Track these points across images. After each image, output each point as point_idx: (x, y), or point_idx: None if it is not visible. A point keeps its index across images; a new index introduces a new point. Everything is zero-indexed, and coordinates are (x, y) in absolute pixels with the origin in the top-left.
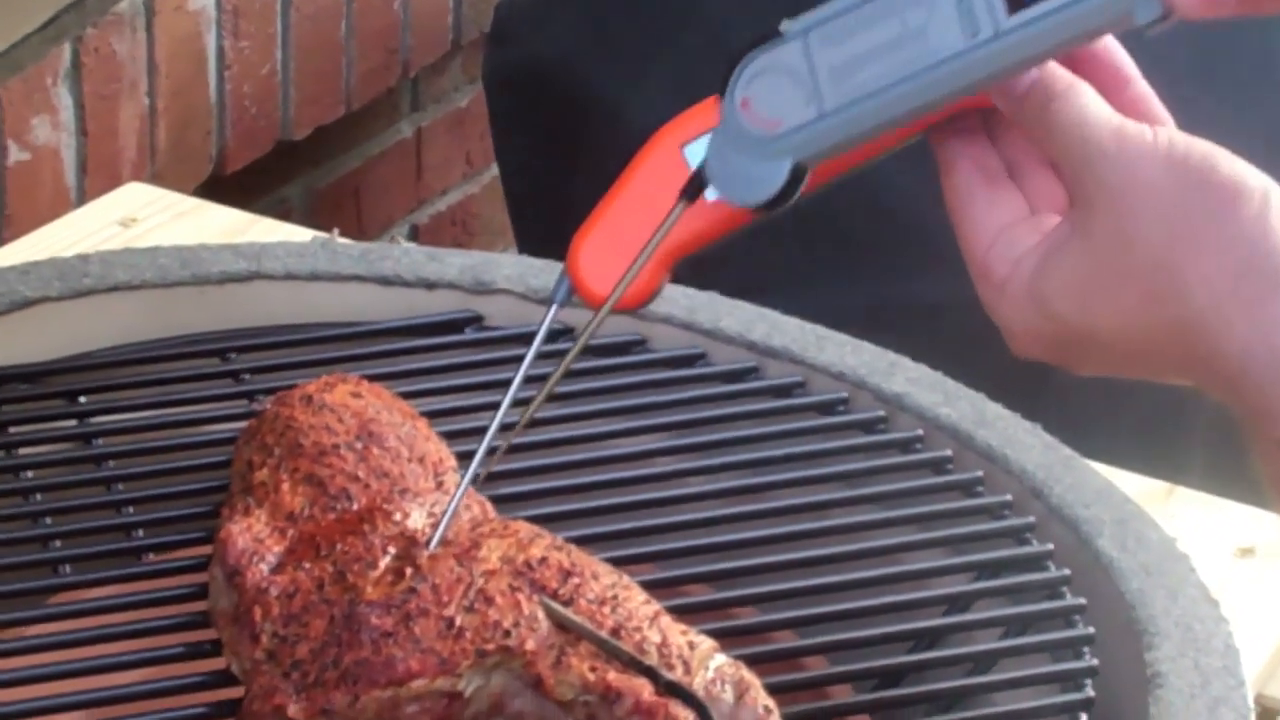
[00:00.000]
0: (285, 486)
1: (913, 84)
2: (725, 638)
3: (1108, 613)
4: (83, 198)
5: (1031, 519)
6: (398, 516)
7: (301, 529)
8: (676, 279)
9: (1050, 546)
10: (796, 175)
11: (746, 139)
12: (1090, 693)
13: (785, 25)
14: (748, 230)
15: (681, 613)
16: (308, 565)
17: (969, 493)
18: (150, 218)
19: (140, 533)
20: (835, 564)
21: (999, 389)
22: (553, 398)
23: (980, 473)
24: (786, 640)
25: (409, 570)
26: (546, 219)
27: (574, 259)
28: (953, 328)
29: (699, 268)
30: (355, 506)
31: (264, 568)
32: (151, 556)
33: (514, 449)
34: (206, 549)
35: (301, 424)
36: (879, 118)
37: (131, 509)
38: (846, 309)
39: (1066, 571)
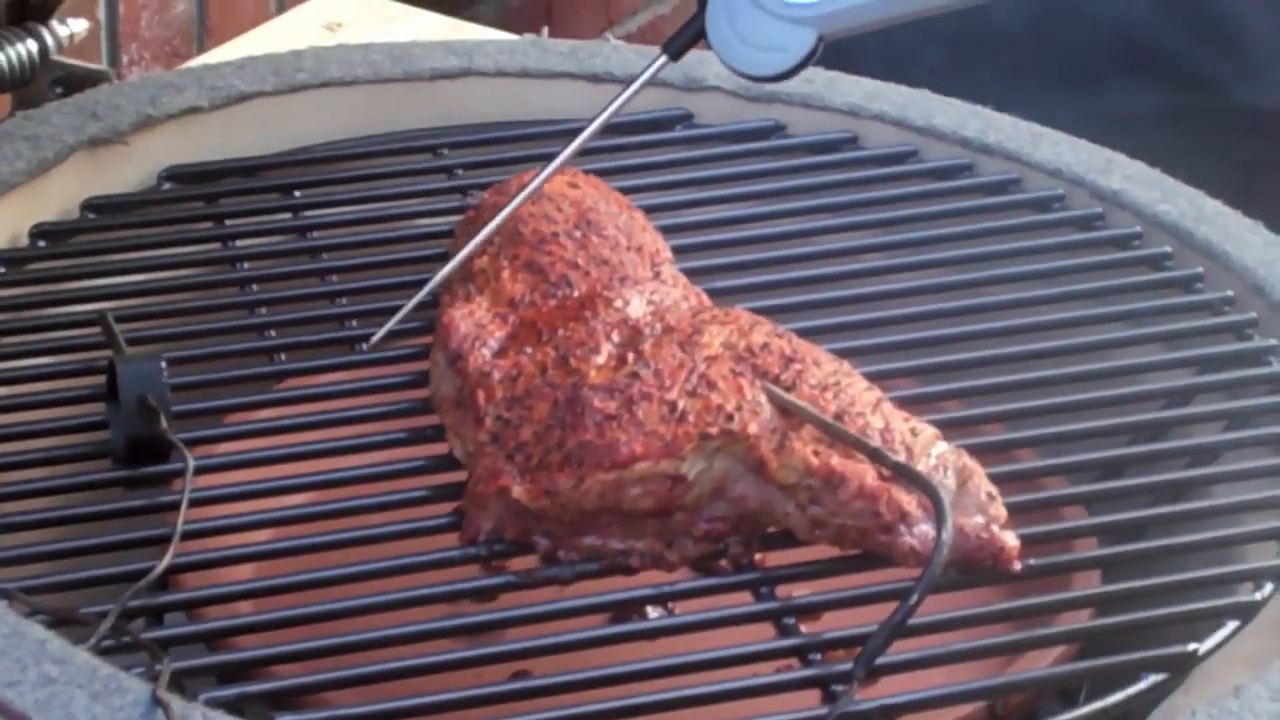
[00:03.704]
0: (505, 274)
1: None
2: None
3: None
4: (282, 7)
5: (1253, 315)
6: (618, 303)
7: (523, 315)
8: (885, 77)
9: (1273, 342)
10: (816, 49)
11: None
12: None
13: None
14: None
15: None
16: (530, 350)
17: (1188, 289)
18: (356, 23)
19: (354, 323)
20: (1050, 359)
21: (1215, 193)
22: (763, 195)
23: (1200, 269)
24: (998, 434)
25: (631, 355)
26: None
27: None
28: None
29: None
30: (576, 293)
31: (486, 352)
32: (365, 346)
33: (724, 244)
34: (419, 340)
35: (520, 212)
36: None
37: (345, 300)
38: (1056, 120)
39: None
